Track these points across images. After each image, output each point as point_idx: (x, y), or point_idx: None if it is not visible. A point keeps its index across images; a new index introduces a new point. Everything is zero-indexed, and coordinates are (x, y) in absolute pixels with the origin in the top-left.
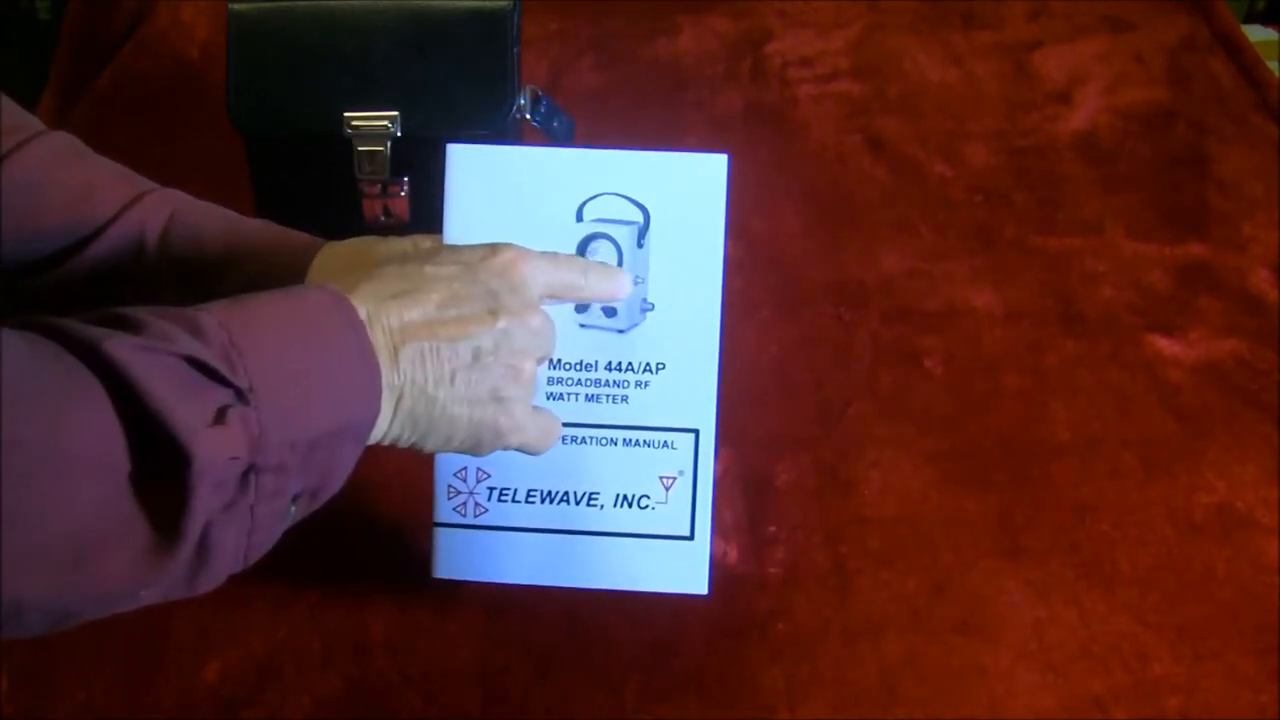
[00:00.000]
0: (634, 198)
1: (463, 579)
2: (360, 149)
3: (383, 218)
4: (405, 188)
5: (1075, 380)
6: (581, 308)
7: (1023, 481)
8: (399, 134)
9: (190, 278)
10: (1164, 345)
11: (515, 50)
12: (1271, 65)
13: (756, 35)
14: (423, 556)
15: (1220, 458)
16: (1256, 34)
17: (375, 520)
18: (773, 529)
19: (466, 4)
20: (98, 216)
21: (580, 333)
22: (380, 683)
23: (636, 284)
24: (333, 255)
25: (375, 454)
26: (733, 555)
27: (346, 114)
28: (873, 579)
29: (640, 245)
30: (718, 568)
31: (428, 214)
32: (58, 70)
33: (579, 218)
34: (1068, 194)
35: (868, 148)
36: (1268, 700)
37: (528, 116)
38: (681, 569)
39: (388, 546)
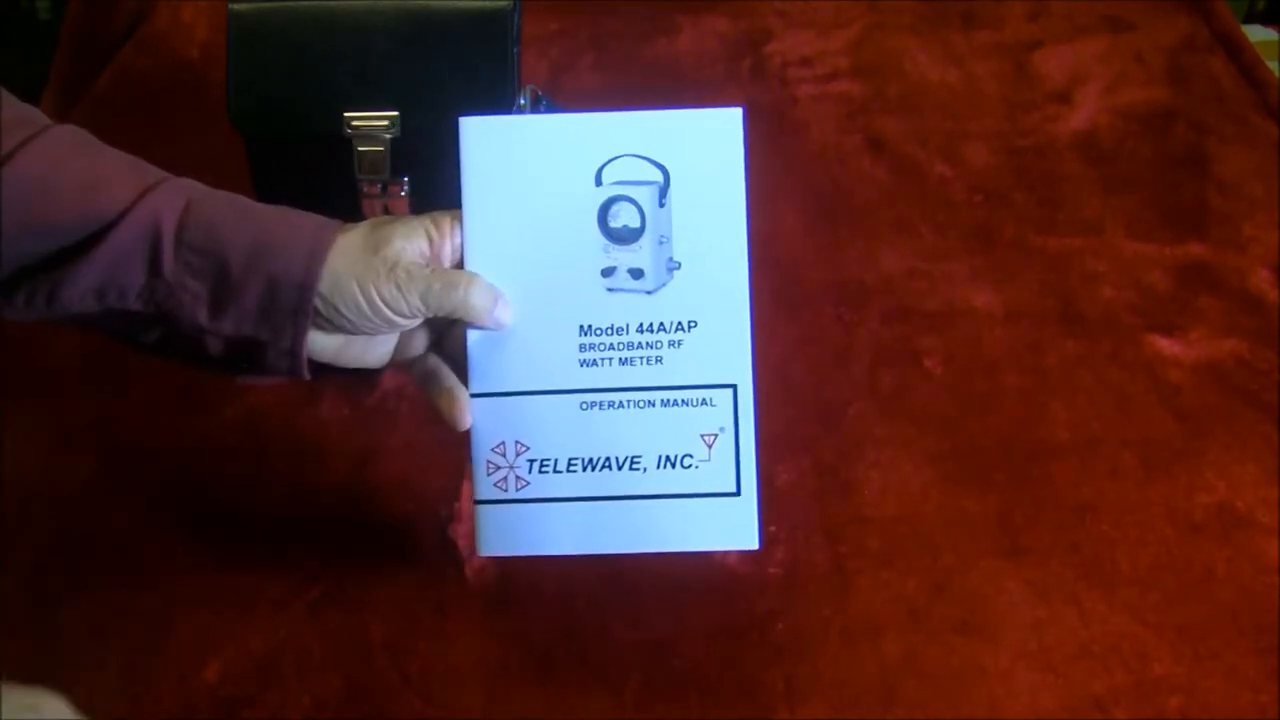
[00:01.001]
0: (652, 157)
1: (508, 554)
2: (360, 149)
3: None
4: (405, 188)
5: (1075, 380)
6: (608, 271)
7: (1023, 481)
8: (399, 134)
9: (207, 267)
10: (1164, 345)
11: (515, 50)
12: (1271, 65)
13: (756, 35)
14: (424, 557)
15: (1220, 458)
16: (1256, 34)
17: (376, 521)
18: (773, 529)
19: (466, 4)
20: (110, 209)
21: (608, 296)
22: (380, 683)
23: (661, 244)
24: (349, 243)
25: (376, 455)
26: (733, 555)
27: (346, 114)
28: (873, 579)
29: (662, 204)
30: (718, 568)
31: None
32: (58, 70)
33: (598, 182)
34: (1068, 194)
35: (868, 148)
36: (1268, 700)
37: None
38: (730, 525)
39: (388, 547)
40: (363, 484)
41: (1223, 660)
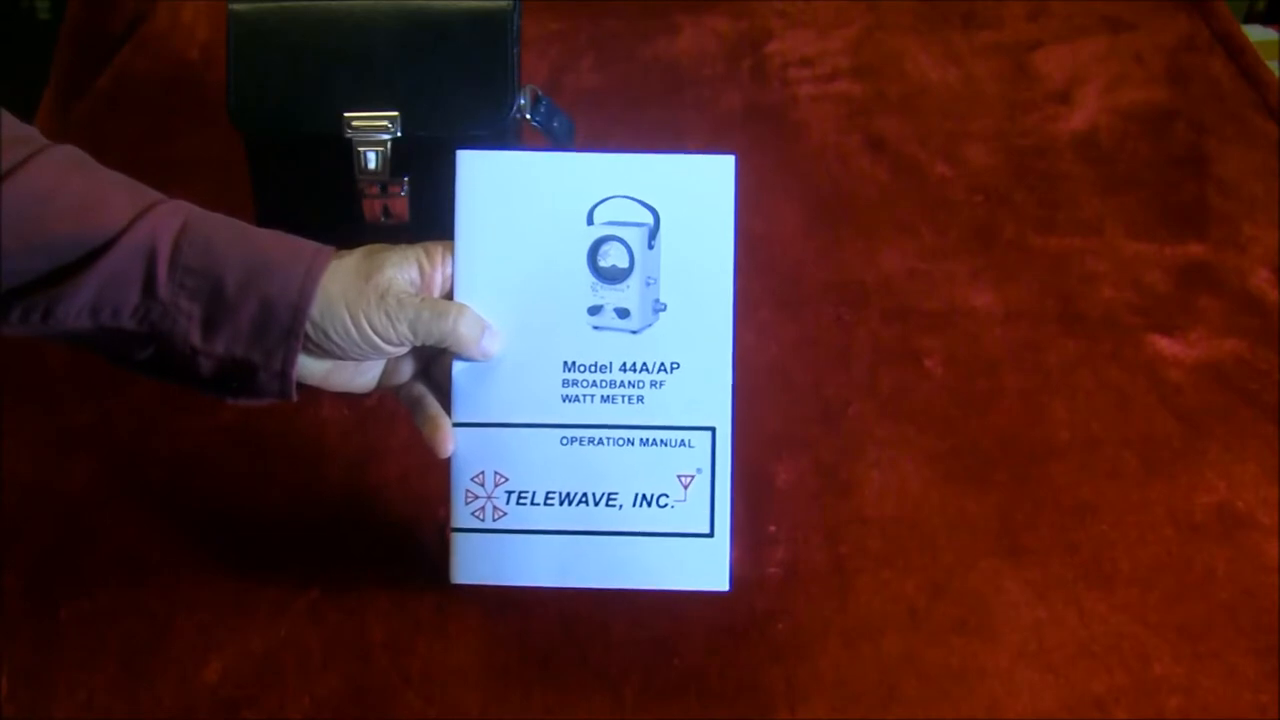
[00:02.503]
0: (644, 200)
1: (483, 584)
2: (360, 149)
3: (383, 218)
4: (405, 188)
5: (1075, 380)
6: (595, 309)
7: (1023, 481)
8: (399, 134)
9: (202, 288)
10: (1164, 345)
11: (515, 50)
12: (1271, 65)
13: (756, 35)
14: (424, 557)
15: (1220, 458)
16: (1256, 34)
17: (376, 521)
18: (773, 529)
19: (466, 4)
20: (108, 227)
21: (594, 335)
22: (380, 683)
23: (648, 285)
24: (342, 269)
25: (376, 455)
26: (733, 555)
27: (346, 114)
28: (873, 579)
29: (651, 246)
30: None
31: (428, 214)
32: (58, 70)
33: (589, 221)
34: (1068, 194)
35: (868, 148)
36: (1268, 700)
37: (528, 116)
38: (702, 566)
39: (388, 547)
40: (363, 484)
41: (1222, 660)
